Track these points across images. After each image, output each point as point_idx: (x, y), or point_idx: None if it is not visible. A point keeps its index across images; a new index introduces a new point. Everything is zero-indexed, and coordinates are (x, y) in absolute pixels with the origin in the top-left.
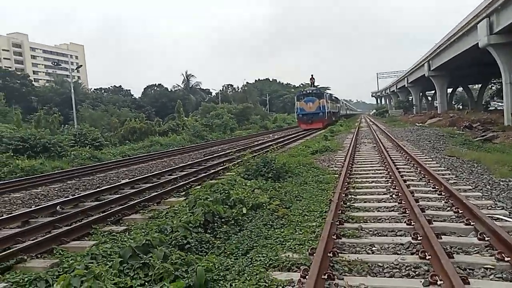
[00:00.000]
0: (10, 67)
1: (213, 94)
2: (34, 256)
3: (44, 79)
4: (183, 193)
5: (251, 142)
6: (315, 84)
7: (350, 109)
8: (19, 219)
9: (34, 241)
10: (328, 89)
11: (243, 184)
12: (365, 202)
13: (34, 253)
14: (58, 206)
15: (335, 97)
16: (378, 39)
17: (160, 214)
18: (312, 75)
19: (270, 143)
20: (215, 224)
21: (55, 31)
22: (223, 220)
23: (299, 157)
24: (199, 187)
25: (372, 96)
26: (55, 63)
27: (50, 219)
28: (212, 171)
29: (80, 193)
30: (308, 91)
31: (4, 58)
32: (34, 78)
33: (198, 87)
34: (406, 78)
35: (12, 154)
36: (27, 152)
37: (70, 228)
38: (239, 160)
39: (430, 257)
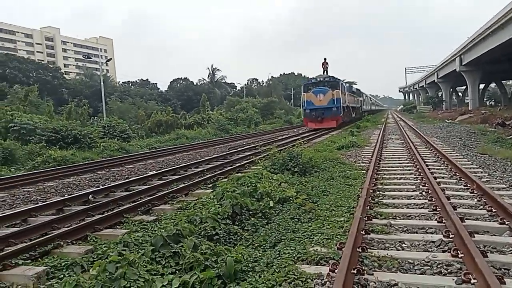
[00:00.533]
0: (42, 60)
1: (238, 88)
2: (69, 242)
3: (74, 72)
4: (210, 185)
5: (276, 136)
6: (328, 72)
7: (376, 104)
8: (54, 207)
9: (69, 228)
10: (354, 84)
11: (270, 178)
12: (393, 198)
13: (70, 239)
14: (90, 195)
15: (356, 89)
16: (407, 34)
17: (188, 205)
18: (325, 59)
19: (295, 138)
20: (243, 216)
21: (85, 25)
22: (250, 212)
23: (325, 152)
24: (225, 180)
25: (399, 91)
26: (86, 56)
27: (83, 207)
28: (238, 164)
29: (110, 183)
30: (318, 79)
31: (37, 52)
32: (65, 71)
33: (223, 81)
34: (436, 73)
35: (45, 144)
36: (59, 143)
37: (103, 217)
38: (264, 154)
39: (462, 255)
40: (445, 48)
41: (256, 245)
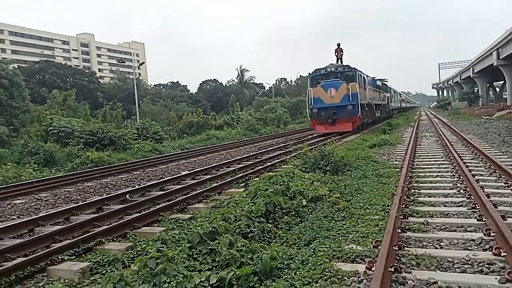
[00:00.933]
0: (78, 65)
1: (267, 88)
2: (110, 239)
3: (108, 76)
4: (242, 184)
5: (305, 135)
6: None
7: (407, 101)
8: (93, 206)
9: (109, 226)
10: (385, 81)
11: (302, 177)
12: (430, 196)
13: (110, 236)
14: (128, 195)
15: (382, 83)
16: (440, 27)
17: (222, 204)
18: (338, 45)
19: (325, 137)
20: (276, 215)
21: (117, 30)
22: (283, 211)
23: (357, 150)
24: (257, 179)
25: (432, 87)
26: (120, 61)
27: (121, 206)
28: (269, 163)
29: (145, 183)
30: (329, 70)
31: (73, 58)
32: (99, 76)
33: (252, 81)
34: (471, 68)
35: (82, 146)
36: (96, 145)
37: (140, 215)
38: (295, 153)
39: (505, 254)
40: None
41: (290, 243)
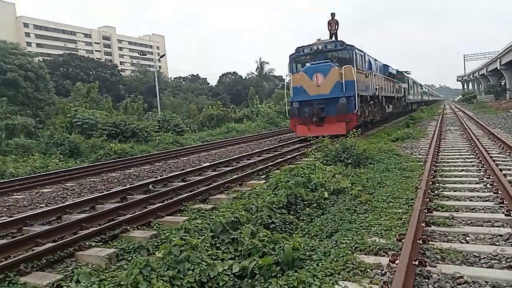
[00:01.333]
0: (100, 58)
1: (286, 81)
2: (135, 227)
3: (129, 69)
4: (263, 176)
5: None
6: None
7: (430, 93)
8: (118, 195)
9: (134, 214)
10: (408, 73)
11: (323, 169)
12: (455, 191)
13: (135, 224)
14: (150, 185)
15: (397, 70)
16: (465, 16)
17: (243, 195)
18: (333, 15)
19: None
20: (298, 206)
21: (138, 22)
22: (305, 202)
23: (379, 143)
24: (278, 171)
25: (457, 80)
26: (142, 54)
27: (144, 196)
28: (289, 156)
29: (168, 174)
30: (315, 48)
31: (95, 50)
32: (121, 68)
33: (272, 74)
34: (498, 60)
35: (106, 138)
36: (119, 136)
37: (163, 205)
38: (316, 146)
39: None
40: (509, 32)
41: (312, 234)
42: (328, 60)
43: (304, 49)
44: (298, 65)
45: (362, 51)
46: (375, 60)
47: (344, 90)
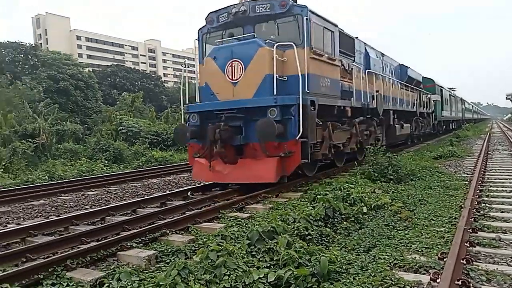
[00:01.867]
0: (145, 70)
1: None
2: (174, 231)
3: (172, 81)
4: (301, 188)
5: None
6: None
7: (474, 111)
8: (158, 201)
9: (173, 219)
10: (453, 90)
11: (363, 184)
12: (502, 212)
13: (174, 229)
14: (189, 192)
15: (425, 77)
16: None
17: (279, 206)
18: None
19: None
20: (335, 220)
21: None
22: (343, 216)
23: (421, 161)
24: (316, 183)
25: (507, 98)
26: (185, 66)
27: (183, 202)
28: (328, 169)
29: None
30: (236, 10)
31: (141, 62)
32: (164, 80)
33: None
34: None
35: (148, 146)
36: (160, 145)
37: (201, 211)
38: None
39: None
40: None
41: (349, 248)
42: (254, 34)
43: (220, 17)
44: (210, 43)
45: (334, 24)
46: (382, 54)
47: (275, 91)
